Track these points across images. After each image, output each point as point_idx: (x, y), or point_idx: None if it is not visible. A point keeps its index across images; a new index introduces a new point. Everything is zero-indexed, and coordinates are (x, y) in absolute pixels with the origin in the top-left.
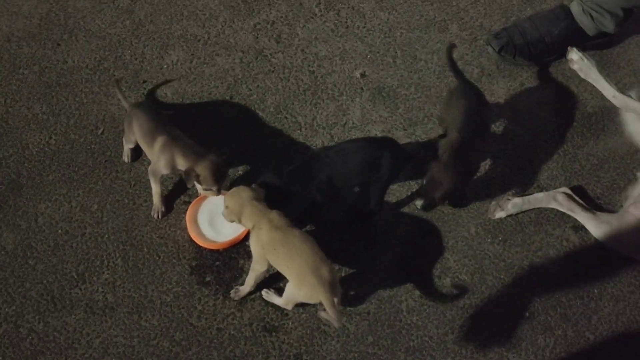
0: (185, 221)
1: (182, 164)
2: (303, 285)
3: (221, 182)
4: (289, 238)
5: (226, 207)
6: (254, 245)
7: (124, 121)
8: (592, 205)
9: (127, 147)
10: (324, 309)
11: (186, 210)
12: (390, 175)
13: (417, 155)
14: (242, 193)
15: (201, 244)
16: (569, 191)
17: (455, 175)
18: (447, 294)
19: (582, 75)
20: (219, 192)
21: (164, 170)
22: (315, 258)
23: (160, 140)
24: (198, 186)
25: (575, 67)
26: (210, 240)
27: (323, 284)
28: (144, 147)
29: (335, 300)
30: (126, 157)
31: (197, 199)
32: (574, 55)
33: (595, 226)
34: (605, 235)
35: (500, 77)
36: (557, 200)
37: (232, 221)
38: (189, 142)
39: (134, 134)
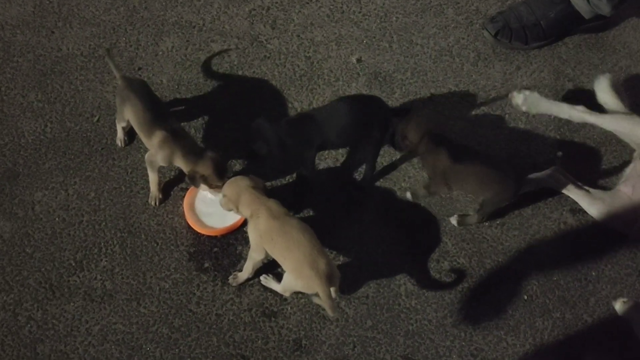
0: (183, 208)
1: (182, 165)
2: (300, 277)
3: (225, 176)
4: (287, 228)
5: (224, 195)
6: (251, 233)
7: (116, 97)
8: (588, 186)
9: (120, 126)
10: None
11: (183, 197)
12: (382, 136)
13: (402, 113)
14: (240, 182)
15: (199, 231)
16: (561, 170)
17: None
18: (445, 278)
19: (533, 111)
20: (221, 188)
21: (162, 163)
22: (313, 250)
23: (159, 135)
24: (204, 187)
25: (524, 108)
26: (208, 227)
27: (320, 277)
28: (140, 135)
29: (333, 289)
30: (120, 142)
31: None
32: (518, 97)
33: (589, 203)
34: (599, 212)
35: (496, 61)
36: (551, 179)
37: (229, 210)
38: (189, 140)
39: (128, 118)
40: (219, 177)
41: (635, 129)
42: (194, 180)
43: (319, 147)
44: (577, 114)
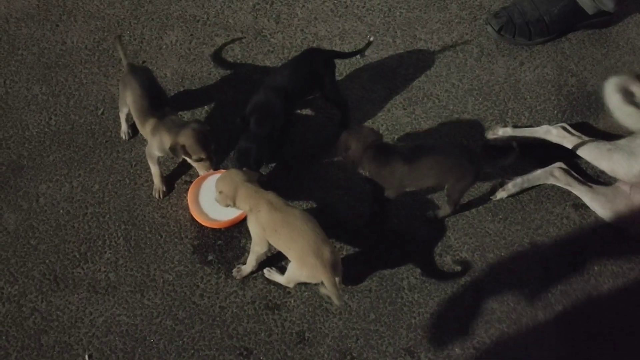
0: (187, 200)
1: (167, 142)
2: (304, 266)
3: (209, 149)
4: (290, 219)
5: (220, 192)
6: (253, 227)
7: (119, 84)
8: (591, 181)
9: (123, 117)
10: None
11: (187, 189)
12: (333, 76)
13: (346, 55)
14: (234, 176)
15: (203, 223)
16: (564, 166)
17: None
18: (448, 272)
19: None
20: (212, 162)
21: (158, 153)
22: (317, 239)
23: (151, 123)
24: (192, 162)
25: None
26: (212, 219)
27: (324, 265)
28: (137, 124)
29: (337, 280)
30: (124, 135)
31: (198, 178)
32: (496, 133)
33: (592, 198)
34: (601, 207)
35: (499, 57)
36: (554, 175)
37: (227, 205)
38: (174, 118)
39: (127, 105)
40: (202, 147)
41: (598, 160)
42: (175, 151)
43: (285, 98)
44: (555, 130)
